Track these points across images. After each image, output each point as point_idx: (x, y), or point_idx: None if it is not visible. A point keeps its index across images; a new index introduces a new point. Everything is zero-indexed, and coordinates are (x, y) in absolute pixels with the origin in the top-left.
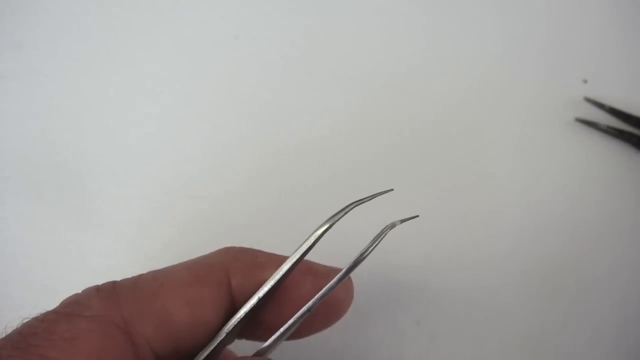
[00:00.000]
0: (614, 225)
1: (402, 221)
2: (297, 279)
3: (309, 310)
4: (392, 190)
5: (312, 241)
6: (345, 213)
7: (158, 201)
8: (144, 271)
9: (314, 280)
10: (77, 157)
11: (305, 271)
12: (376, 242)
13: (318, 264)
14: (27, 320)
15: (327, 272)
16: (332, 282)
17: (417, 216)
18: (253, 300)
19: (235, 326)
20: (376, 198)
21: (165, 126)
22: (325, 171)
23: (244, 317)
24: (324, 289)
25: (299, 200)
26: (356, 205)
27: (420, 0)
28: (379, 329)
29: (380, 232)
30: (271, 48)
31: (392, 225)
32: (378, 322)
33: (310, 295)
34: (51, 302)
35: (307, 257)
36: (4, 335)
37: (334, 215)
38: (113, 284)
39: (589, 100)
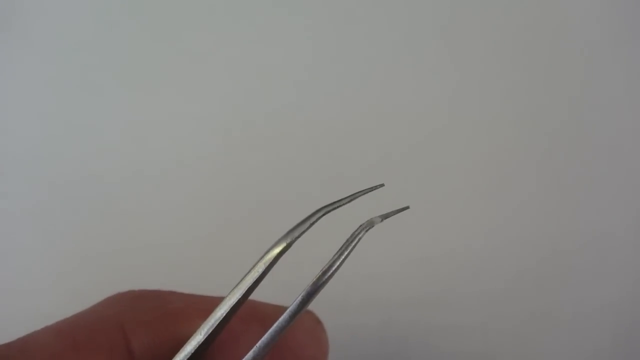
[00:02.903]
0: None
1: (385, 217)
2: (237, 329)
3: None
4: (381, 186)
5: (260, 270)
6: (312, 224)
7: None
8: None
9: (262, 330)
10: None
11: (248, 317)
12: (346, 253)
13: (267, 305)
14: None
15: (280, 316)
16: (279, 320)
17: (408, 207)
18: None
19: None
20: (358, 199)
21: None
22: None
23: None
24: (264, 337)
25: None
26: (327, 212)
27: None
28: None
29: (352, 235)
30: (272, 54)
31: (370, 224)
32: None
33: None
34: None
35: (253, 295)
36: None
37: (294, 228)
38: None
39: None
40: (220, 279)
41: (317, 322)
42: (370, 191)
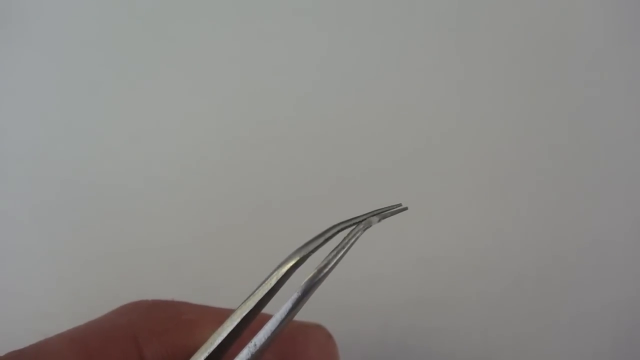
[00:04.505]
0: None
1: (383, 217)
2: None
3: None
4: (399, 205)
5: (272, 283)
6: (326, 240)
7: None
8: None
9: (275, 344)
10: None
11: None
12: (343, 251)
13: None
14: None
15: (292, 329)
16: (275, 317)
17: (406, 208)
18: None
19: None
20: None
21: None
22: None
23: None
24: (262, 332)
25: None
26: (342, 229)
27: None
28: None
29: (349, 234)
30: (276, 55)
31: (368, 224)
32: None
33: None
34: None
35: (266, 308)
36: None
37: (308, 243)
38: None
39: None
40: (222, 281)
41: (329, 337)
42: (387, 210)
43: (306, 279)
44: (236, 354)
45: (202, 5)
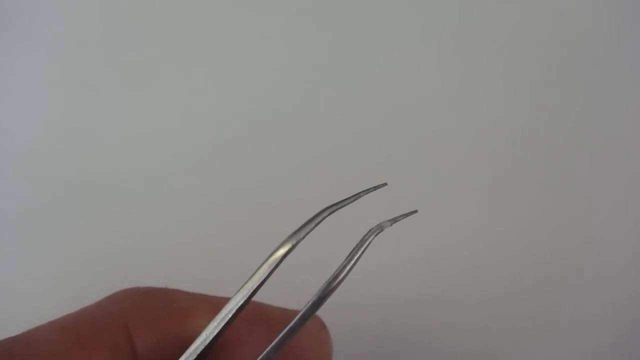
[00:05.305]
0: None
1: (394, 221)
2: (241, 331)
3: None
4: (384, 185)
5: (266, 271)
6: (317, 224)
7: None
8: None
9: (267, 332)
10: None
11: (252, 318)
12: (356, 257)
13: (271, 307)
14: None
15: (285, 318)
16: (290, 325)
17: (416, 211)
18: None
19: None
20: (362, 200)
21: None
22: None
23: None
24: (276, 340)
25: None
26: (332, 212)
27: None
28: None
29: (362, 240)
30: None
31: (380, 228)
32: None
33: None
34: None
35: (256, 296)
36: None
37: (299, 229)
38: None
39: None
40: (222, 280)
41: (322, 326)
42: (373, 190)
43: (322, 287)
44: (229, 344)
45: (202, 5)
